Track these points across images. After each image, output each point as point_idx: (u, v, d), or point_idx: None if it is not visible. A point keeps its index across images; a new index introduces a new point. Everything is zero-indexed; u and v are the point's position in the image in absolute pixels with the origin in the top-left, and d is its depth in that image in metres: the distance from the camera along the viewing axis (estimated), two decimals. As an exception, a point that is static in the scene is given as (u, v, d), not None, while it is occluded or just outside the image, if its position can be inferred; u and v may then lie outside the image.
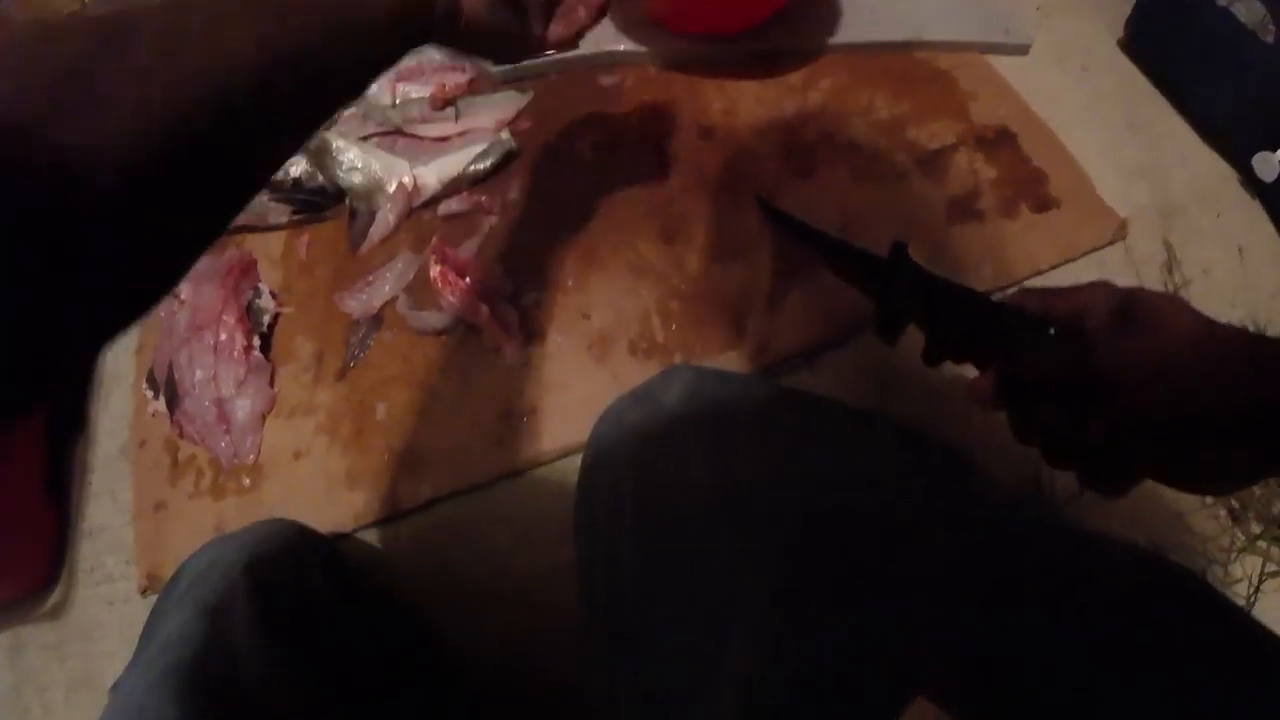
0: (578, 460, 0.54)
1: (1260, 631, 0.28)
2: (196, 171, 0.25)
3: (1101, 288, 0.36)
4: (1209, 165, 0.70)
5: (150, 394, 0.67)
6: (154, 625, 0.42)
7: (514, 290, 0.59)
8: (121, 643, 0.64)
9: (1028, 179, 0.64)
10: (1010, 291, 0.39)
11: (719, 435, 0.36)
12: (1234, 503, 0.57)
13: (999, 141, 0.66)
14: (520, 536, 0.54)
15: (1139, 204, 0.67)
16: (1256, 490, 0.57)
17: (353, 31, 0.31)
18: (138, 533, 0.64)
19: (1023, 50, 0.73)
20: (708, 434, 0.36)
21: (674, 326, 0.57)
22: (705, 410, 0.38)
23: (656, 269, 0.59)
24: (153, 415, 0.66)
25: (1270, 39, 0.62)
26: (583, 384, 0.56)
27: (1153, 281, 0.64)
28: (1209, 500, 0.57)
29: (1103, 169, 0.67)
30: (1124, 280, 0.62)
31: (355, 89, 0.33)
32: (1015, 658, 0.26)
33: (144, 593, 0.63)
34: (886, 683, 0.25)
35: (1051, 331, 0.36)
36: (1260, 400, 0.28)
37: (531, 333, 0.58)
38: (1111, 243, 0.64)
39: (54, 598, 0.67)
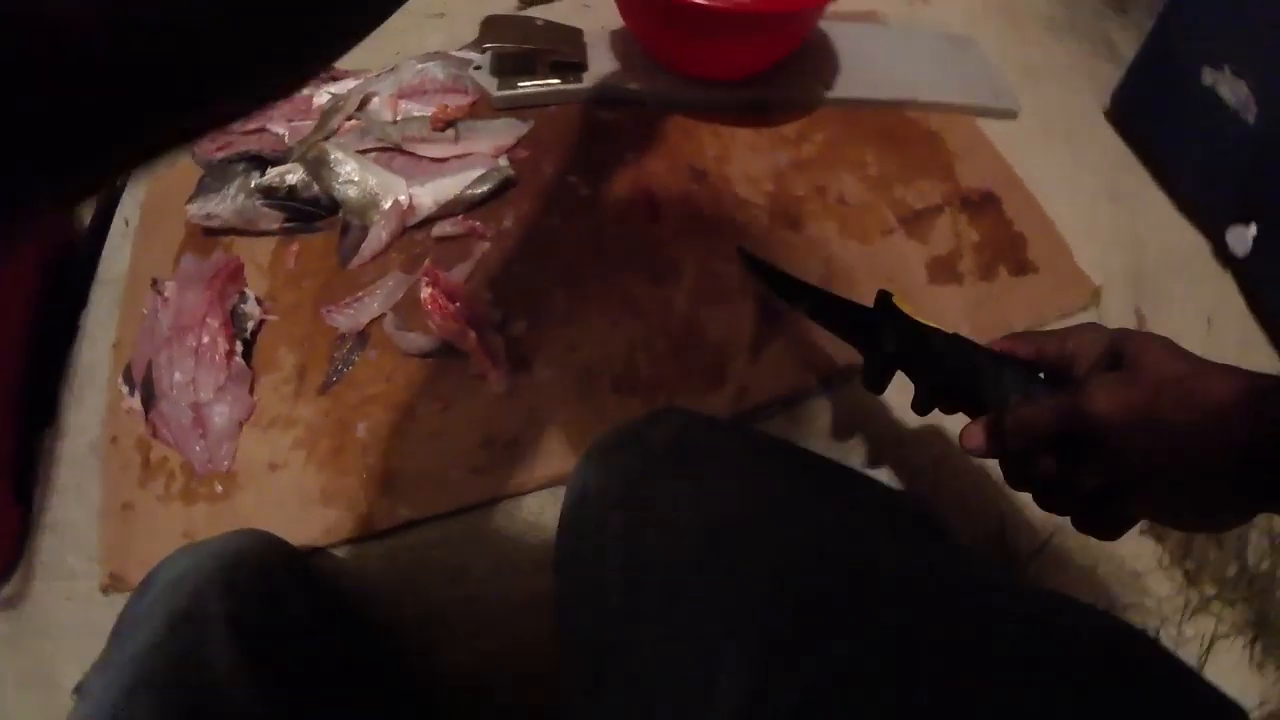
0: (557, 492, 0.55)
1: (1211, 694, 0.29)
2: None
3: (1090, 330, 0.36)
4: (1184, 236, 0.73)
5: (126, 390, 0.66)
6: (124, 631, 0.42)
7: (502, 318, 0.60)
8: (79, 641, 0.63)
9: (1008, 243, 0.66)
10: (999, 337, 0.40)
11: (707, 479, 0.37)
12: (1189, 565, 0.59)
13: (983, 204, 0.68)
14: (495, 565, 0.54)
15: (1113, 270, 0.70)
16: (1211, 553, 0.60)
17: None
18: (103, 531, 0.63)
19: (1011, 115, 0.76)
20: (696, 477, 0.37)
21: (658, 365, 0.58)
22: (693, 454, 0.39)
23: (644, 307, 0.60)
24: (127, 412, 0.66)
25: (1251, 119, 0.65)
26: (566, 417, 0.56)
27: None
28: (1165, 562, 0.59)
29: (1080, 235, 0.70)
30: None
31: None
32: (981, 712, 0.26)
33: (106, 591, 0.62)
34: (883, 709, 0.26)
35: (1041, 376, 0.37)
36: (1255, 436, 0.28)
37: (517, 362, 0.58)
38: (1084, 309, 0.66)
39: (10, 589, 0.66)
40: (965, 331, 0.61)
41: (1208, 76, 0.68)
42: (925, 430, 0.59)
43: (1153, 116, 0.75)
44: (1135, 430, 0.31)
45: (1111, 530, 0.35)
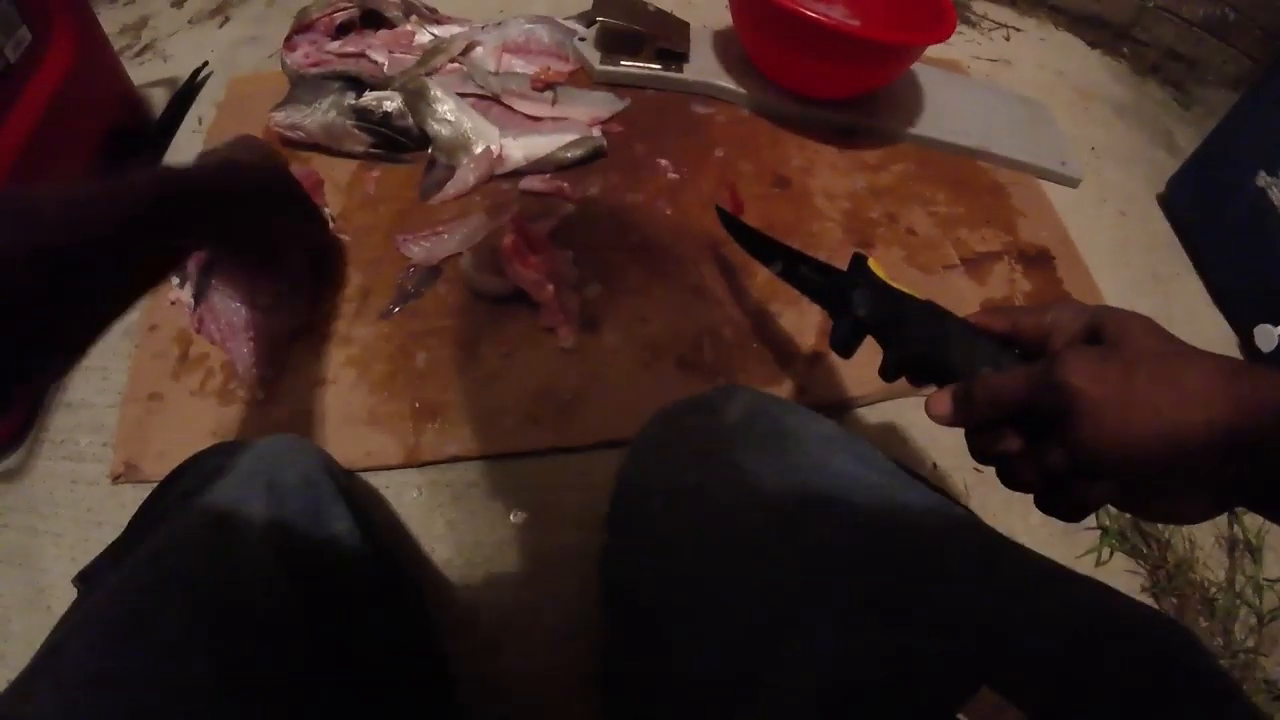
0: (605, 454, 0.56)
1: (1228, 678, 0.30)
2: None
3: (1069, 307, 0.34)
4: (1214, 326, 0.76)
5: (176, 281, 0.65)
6: (148, 522, 0.39)
7: (579, 279, 0.61)
8: (73, 526, 0.61)
9: (1057, 300, 0.69)
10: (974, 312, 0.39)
11: (782, 450, 0.37)
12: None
13: (1038, 260, 0.71)
14: (532, 516, 0.54)
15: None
16: (1202, 621, 0.62)
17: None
18: (123, 417, 0.62)
19: (1073, 183, 0.79)
20: (772, 448, 0.37)
21: (722, 351, 0.59)
22: (769, 429, 0.39)
23: (716, 295, 0.62)
24: (172, 303, 0.65)
25: (1299, 223, 0.68)
26: (627, 383, 0.57)
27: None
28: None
29: (1117, 305, 0.73)
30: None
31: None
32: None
33: (115, 480, 0.60)
34: (956, 673, 0.26)
35: (1016, 352, 0.35)
36: (1232, 423, 0.27)
37: (587, 323, 0.59)
38: (1116, 376, 0.69)
39: (11, 461, 0.64)
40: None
41: (1262, 180, 0.72)
42: (959, 456, 0.61)
43: (1202, 207, 0.79)
44: (1108, 406, 0.29)
45: (1076, 513, 0.33)
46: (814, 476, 0.35)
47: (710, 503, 0.35)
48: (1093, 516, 0.63)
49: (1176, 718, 0.26)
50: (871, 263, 0.42)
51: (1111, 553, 0.62)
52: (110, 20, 0.96)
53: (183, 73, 0.83)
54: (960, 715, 0.24)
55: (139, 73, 0.86)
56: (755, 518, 0.34)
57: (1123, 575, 0.62)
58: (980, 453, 0.35)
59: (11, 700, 0.28)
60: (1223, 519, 0.64)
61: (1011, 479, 0.34)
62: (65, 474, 0.63)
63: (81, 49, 0.70)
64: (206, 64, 0.83)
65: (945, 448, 0.61)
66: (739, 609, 0.31)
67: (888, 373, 0.40)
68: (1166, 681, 0.27)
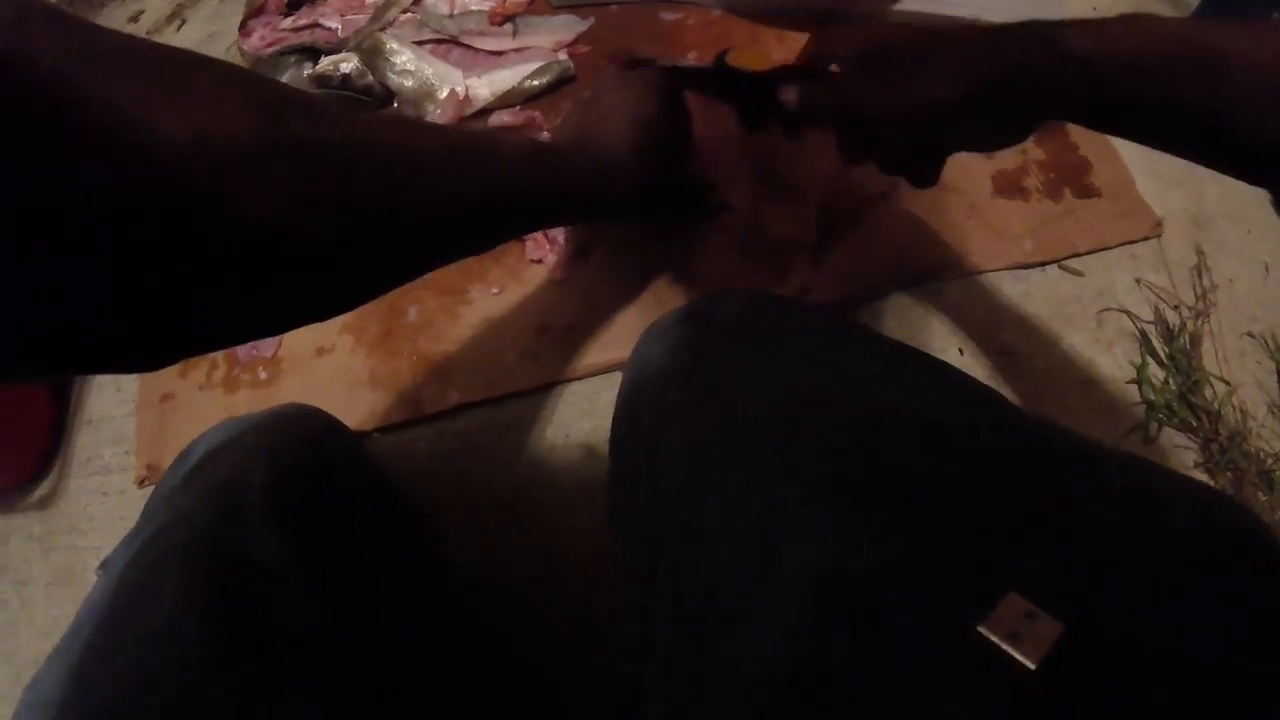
0: (611, 379, 0.54)
1: None
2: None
3: (850, 30, 0.44)
4: (1244, 184, 0.70)
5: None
6: (158, 502, 0.39)
7: (561, 208, 0.58)
8: (111, 536, 0.62)
9: (1073, 166, 0.65)
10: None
11: (774, 351, 0.35)
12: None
13: (1048, 127, 0.66)
14: (546, 451, 0.53)
15: (1173, 209, 0.68)
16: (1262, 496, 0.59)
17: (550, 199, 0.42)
18: (140, 423, 0.63)
19: (1078, 44, 0.74)
20: (762, 350, 0.35)
21: (718, 260, 0.57)
22: (760, 327, 0.37)
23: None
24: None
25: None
26: (624, 305, 0.55)
27: (1182, 281, 0.64)
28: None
29: (1141, 172, 0.68)
30: (1154, 277, 0.63)
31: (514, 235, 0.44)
32: (1096, 571, 0.24)
33: (141, 484, 0.61)
34: (974, 576, 0.23)
35: (833, 69, 0.46)
36: (976, 86, 0.36)
37: (576, 250, 0.57)
38: (1145, 239, 0.65)
39: (44, 488, 0.66)
40: (1031, 245, 0.61)
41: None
42: (985, 339, 0.58)
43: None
44: (879, 107, 0.39)
45: (926, 179, 0.45)
46: (806, 373, 0.33)
47: (696, 417, 0.33)
48: (1136, 391, 0.59)
49: (1261, 603, 0.23)
50: (731, 56, 0.53)
51: (1159, 428, 0.58)
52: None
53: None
54: (982, 629, 0.21)
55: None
56: (740, 426, 0.31)
57: (1173, 452, 0.58)
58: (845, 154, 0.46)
59: (35, 678, 0.30)
60: (1274, 387, 0.60)
61: (885, 167, 0.45)
62: (96, 489, 0.64)
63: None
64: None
65: (971, 332, 0.58)
66: (728, 528, 0.28)
67: (791, 132, 0.54)
68: (1240, 564, 0.24)
